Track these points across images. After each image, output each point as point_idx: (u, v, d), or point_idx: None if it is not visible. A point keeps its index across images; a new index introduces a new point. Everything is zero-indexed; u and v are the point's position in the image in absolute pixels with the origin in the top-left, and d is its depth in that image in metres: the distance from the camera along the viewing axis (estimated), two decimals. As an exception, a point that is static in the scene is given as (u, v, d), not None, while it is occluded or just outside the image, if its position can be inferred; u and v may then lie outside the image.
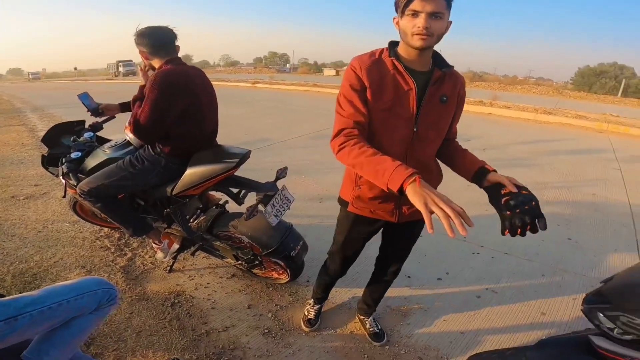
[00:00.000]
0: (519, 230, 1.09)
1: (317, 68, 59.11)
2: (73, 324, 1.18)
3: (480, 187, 1.27)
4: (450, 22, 1.19)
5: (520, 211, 1.09)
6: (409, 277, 2.44)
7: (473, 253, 2.79)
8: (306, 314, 2.03)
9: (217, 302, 2.15)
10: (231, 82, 20.71)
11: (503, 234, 1.11)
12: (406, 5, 1.12)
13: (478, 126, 8.16)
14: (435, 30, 1.14)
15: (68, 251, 2.66)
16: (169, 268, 2.42)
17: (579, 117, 9.41)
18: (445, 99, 1.30)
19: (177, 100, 1.83)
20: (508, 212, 1.11)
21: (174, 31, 1.92)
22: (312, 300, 2.02)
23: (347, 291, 2.27)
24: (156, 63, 1.90)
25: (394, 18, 1.22)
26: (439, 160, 1.49)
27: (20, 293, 2.09)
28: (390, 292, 2.23)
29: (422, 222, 1.54)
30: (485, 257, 2.74)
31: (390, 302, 2.19)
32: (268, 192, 1.92)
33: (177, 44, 1.93)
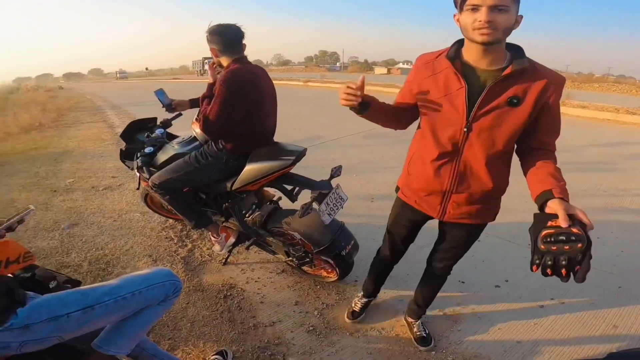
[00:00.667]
0: (550, 270, 0.97)
1: (368, 66, 58.37)
2: (141, 314, 1.23)
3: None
4: (521, 17, 1.11)
5: (557, 249, 0.95)
6: (463, 282, 2.34)
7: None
8: (352, 305, 2.06)
9: (266, 297, 2.23)
10: (284, 81, 21.25)
11: (531, 269, 0.99)
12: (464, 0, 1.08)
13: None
14: (500, 24, 1.07)
15: (138, 240, 2.91)
16: (224, 261, 2.56)
17: (669, 116, 8.31)
18: (515, 101, 1.16)
19: (245, 98, 1.92)
20: (542, 247, 0.98)
21: (242, 29, 1.98)
22: (362, 293, 2.05)
23: (396, 293, 2.24)
24: (225, 61, 1.99)
25: (454, 15, 1.17)
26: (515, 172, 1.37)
27: (94, 279, 2.35)
28: (442, 296, 2.17)
29: (479, 226, 1.50)
30: None
31: (441, 306, 2.12)
32: (322, 190, 1.95)
33: (244, 42, 2.00)
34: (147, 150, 2.38)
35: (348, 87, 1.21)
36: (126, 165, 2.70)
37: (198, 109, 2.37)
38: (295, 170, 2.09)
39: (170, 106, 2.42)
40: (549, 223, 0.99)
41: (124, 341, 1.22)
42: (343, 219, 2.23)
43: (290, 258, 2.30)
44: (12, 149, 6.43)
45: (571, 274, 0.97)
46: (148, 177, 2.30)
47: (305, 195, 2.01)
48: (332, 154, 5.34)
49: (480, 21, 1.06)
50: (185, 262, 2.59)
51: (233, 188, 2.11)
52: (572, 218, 0.99)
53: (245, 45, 2.01)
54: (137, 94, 18.53)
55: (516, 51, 1.19)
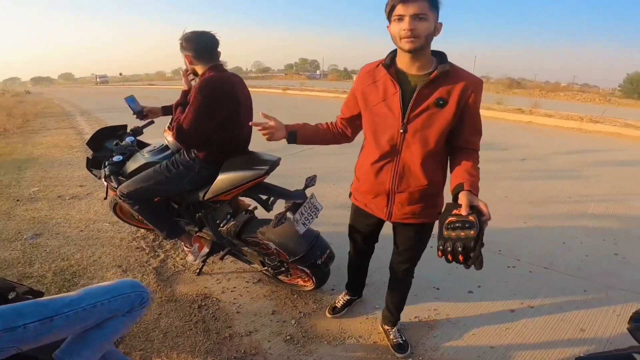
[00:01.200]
0: (450, 256, 1.07)
1: (347, 74, 59.22)
2: (106, 325, 1.20)
3: None
4: (441, 24, 1.26)
5: (455, 236, 1.06)
6: (437, 288, 2.38)
7: (508, 267, 2.67)
8: (335, 302, 2.15)
9: (242, 307, 2.18)
10: (263, 89, 21.20)
11: (438, 255, 1.11)
12: (391, 11, 1.22)
13: (516, 135, 7.85)
14: (421, 32, 1.19)
15: (106, 250, 2.80)
16: (198, 271, 2.49)
17: (628, 126, 8.81)
18: (442, 102, 1.28)
19: (220, 107, 1.88)
20: (445, 233, 1.08)
21: (217, 37, 1.96)
22: (345, 291, 2.16)
23: (372, 301, 2.24)
24: (200, 69, 1.95)
25: (387, 27, 1.28)
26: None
27: (59, 290, 2.23)
28: (417, 303, 2.22)
29: (425, 225, 1.56)
30: (522, 271, 2.62)
31: (416, 313, 2.14)
32: (297, 199, 1.93)
33: (219, 50, 1.98)
34: (116, 158, 2.30)
35: (262, 128, 1.48)
36: (93, 174, 2.60)
37: (171, 116, 2.29)
38: (271, 179, 2.06)
39: (141, 113, 2.33)
40: (454, 211, 1.10)
41: (87, 352, 1.17)
42: (319, 228, 2.22)
43: (266, 268, 2.26)
44: (-29, 156, 6.08)
45: (470, 261, 1.07)
46: (116, 186, 2.22)
47: (281, 205, 1.99)
48: (309, 162, 5.35)
49: (404, 30, 1.19)
50: (158, 273, 2.50)
51: (205, 198, 2.06)
52: (474, 209, 1.12)
53: (220, 52, 1.98)
54: (109, 99, 17.99)
55: (440, 57, 1.32)
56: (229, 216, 2.31)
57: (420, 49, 1.23)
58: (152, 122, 2.52)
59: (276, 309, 2.16)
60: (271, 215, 2.17)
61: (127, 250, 2.81)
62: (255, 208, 2.39)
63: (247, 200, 2.35)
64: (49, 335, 1.08)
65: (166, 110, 2.38)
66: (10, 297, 1.32)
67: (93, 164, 2.51)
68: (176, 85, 23.73)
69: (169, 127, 2.26)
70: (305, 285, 2.27)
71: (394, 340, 1.88)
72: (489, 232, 3.23)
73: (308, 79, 45.90)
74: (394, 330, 1.92)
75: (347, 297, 2.14)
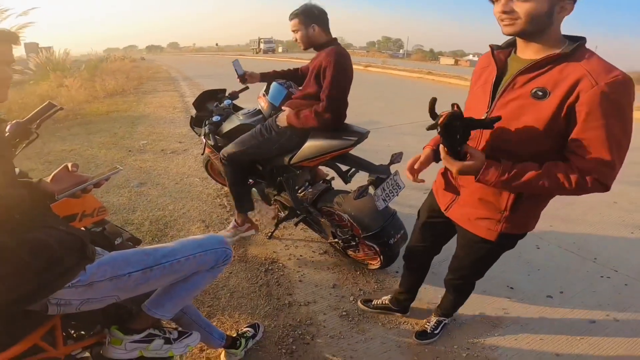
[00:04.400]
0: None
1: (433, 56, 55.31)
2: (191, 280, 1.24)
3: None
4: (570, 3, 0.98)
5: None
6: (512, 288, 2.21)
7: (602, 276, 2.36)
8: (375, 296, 2.05)
9: (305, 276, 2.27)
10: None
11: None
12: None
13: (640, 132, 6.66)
14: (522, 13, 0.97)
15: (194, 205, 3.11)
16: (270, 234, 2.64)
17: None
18: (540, 93, 1.01)
19: (349, 75, 2.00)
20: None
21: None
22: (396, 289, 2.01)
23: (438, 290, 2.15)
24: (321, 39, 2.06)
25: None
26: None
27: (152, 239, 2.53)
28: (486, 299, 2.10)
29: (481, 241, 1.30)
30: (616, 283, 2.31)
31: (482, 310, 2.03)
32: (381, 174, 1.91)
33: None
34: (215, 118, 2.50)
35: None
36: (194, 131, 2.86)
37: (265, 83, 2.49)
38: (354, 151, 2.07)
39: (243, 77, 2.51)
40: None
41: (171, 306, 1.25)
42: (396, 207, 2.18)
43: (336, 240, 2.30)
44: (96, 110, 7.13)
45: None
46: (213, 144, 2.43)
47: (360, 178, 1.98)
48: (387, 140, 5.20)
49: (498, 12, 1.02)
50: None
51: (291, 162, 2.15)
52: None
53: None
54: (207, 67, 19.44)
55: (575, 42, 1.02)
56: (307, 183, 2.38)
57: (527, 33, 1.01)
58: (248, 87, 2.69)
59: (337, 283, 2.21)
60: (348, 187, 2.19)
61: (212, 206, 3.09)
62: (333, 178, 2.43)
63: (325, 169, 2.40)
64: (146, 285, 1.14)
65: (263, 77, 2.54)
66: (116, 242, 1.43)
67: (195, 123, 2.77)
68: (261, 57, 24.29)
69: (263, 94, 2.40)
70: (371, 263, 2.27)
71: (425, 325, 1.81)
72: (585, 237, 2.88)
73: (391, 57, 44.01)
74: (435, 318, 1.82)
75: (388, 303, 1.95)
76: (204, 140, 2.62)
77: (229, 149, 2.28)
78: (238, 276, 2.25)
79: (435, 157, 1.29)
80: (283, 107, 2.16)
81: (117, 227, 1.54)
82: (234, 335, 1.68)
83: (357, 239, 2.17)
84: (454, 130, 0.98)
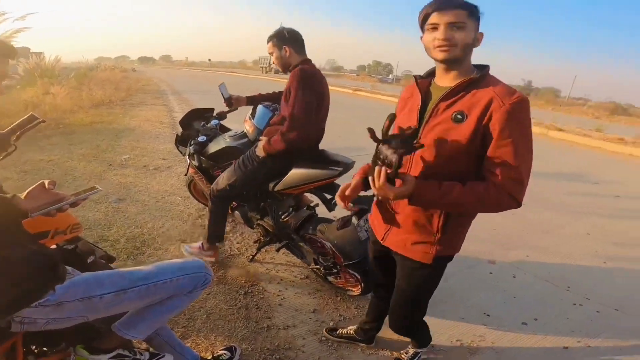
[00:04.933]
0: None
1: None
2: (167, 303, 1.22)
3: None
4: (481, 34, 1.14)
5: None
6: (488, 315, 2.23)
7: (574, 304, 2.42)
8: (340, 325, 2.03)
9: (285, 300, 2.24)
10: (333, 87, 21.13)
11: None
12: (424, 20, 1.13)
13: (613, 168, 6.96)
14: (458, 41, 1.09)
15: (174, 224, 3.05)
16: (251, 257, 2.60)
17: None
18: (460, 117, 1.12)
19: (316, 94, 2.00)
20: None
21: None
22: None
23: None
24: (294, 61, 2.09)
25: (421, 37, 1.19)
26: None
27: (127, 257, 2.47)
28: (463, 326, 2.13)
29: (418, 265, 1.33)
30: (589, 311, 2.37)
31: (459, 337, 2.04)
32: (364, 205, 1.93)
33: None
34: (201, 138, 2.50)
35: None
36: (179, 150, 2.85)
37: (252, 107, 2.50)
38: (339, 180, 2.09)
39: (229, 100, 2.54)
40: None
41: (144, 327, 1.22)
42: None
43: (318, 266, 2.29)
44: (80, 121, 7.01)
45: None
46: (197, 164, 2.42)
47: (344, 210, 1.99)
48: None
49: (438, 39, 1.09)
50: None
51: (276, 189, 2.15)
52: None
53: None
54: (198, 82, 19.49)
55: (482, 70, 1.17)
56: (291, 209, 2.38)
57: (456, 60, 1.12)
58: (236, 109, 2.71)
59: (317, 308, 2.18)
60: (332, 214, 2.20)
61: (192, 226, 3.03)
62: (317, 205, 2.43)
63: (309, 196, 2.40)
64: (118, 307, 1.12)
65: (250, 101, 2.57)
66: (89, 261, 1.38)
67: (181, 141, 2.76)
68: (253, 75, 24.64)
69: (249, 118, 2.42)
70: (351, 290, 2.26)
71: (402, 355, 1.79)
72: (560, 267, 2.97)
73: (380, 81, 45.15)
74: (413, 350, 1.79)
75: (353, 333, 1.92)
76: (189, 161, 2.60)
77: (218, 186, 2.27)
78: (216, 298, 2.20)
79: (364, 186, 1.34)
80: (260, 137, 2.17)
81: (91, 244, 1.50)
82: (209, 358, 1.64)
83: (338, 266, 2.17)
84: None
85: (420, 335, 1.74)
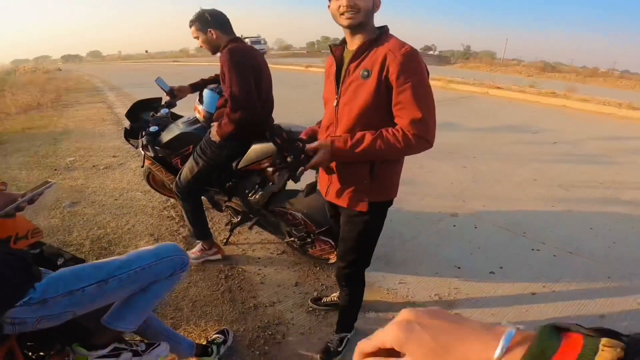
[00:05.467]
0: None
1: None
2: (150, 289, 1.23)
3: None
4: (379, 0, 1.26)
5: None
6: (459, 267, 2.40)
7: (532, 249, 2.65)
8: (323, 294, 2.11)
9: (266, 277, 2.27)
10: (284, 65, 20.82)
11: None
12: None
13: (548, 119, 7.55)
14: (361, 7, 1.19)
15: (139, 219, 2.94)
16: (225, 240, 2.59)
17: (671, 111, 8.30)
18: (366, 74, 1.24)
19: (251, 72, 1.96)
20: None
21: None
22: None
23: (395, 276, 2.28)
24: (223, 42, 2.03)
25: (328, 5, 1.28)
26: None
27: (97, 258, 2.37)
28: (438, 281, 2.26)
29: (356, 213, 1.42)
30: (546, 255, 2.59)
31: (437, 291, 2.18)
32: None
33: None
34: (152, 129, 2.38)
35: None
36: (130, 143, 2.70)
37: (199, 92, 2.41)
38: None
39: (172, 92, 2.46)
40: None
41: (133, 317, 1.22)
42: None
43: (292, 238, 2.33)
44: (10, 128, 6.39)
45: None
46: (153, 155, 2.32)
47: (308, 176, 2.02)
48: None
49: (343, 5, 1.19)
50: (187, 242, 2.62)
51: (238, 167, 2.13)
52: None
53: None
54: (136, 75, 18.31)
55: (384, 30, 1.29)
56: (257, 186, 2.37)
57: (359, 25, 1.23)
58: (180, 99, 2.61)
59: (299, 281, 2.24)
60: (298, 186, 2.23)
61: (159, 219, 2.94)
62: None
63: (271, 170, 2.40)
64: (103, 298, 1.12)
65: (194, 88, 2.49)
66: (58, 262, 1.35)
67: (130, 134, 2.61)
68: (198, 62, 23.64)
69: (198, 103, 2.34)
70: (330, 257, 2.32)
71: (328, 344, 1.74)
72: (514, 214, 3.22)
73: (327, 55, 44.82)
74: (337, 335, 1.77)
75: (337, 300, 1.94)
76: (143, 152, 2.49)
77: (183, 181, 2.20)
78: (197, 285, 2.19)
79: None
80: (212, 123, 2.14)
81: (56, 247, 1.46)
82: (204, 343, 1.64)
83: (312, 235, 2.22)
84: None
85: (354, 300, 1.72)
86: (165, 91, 2.46)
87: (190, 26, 2.05)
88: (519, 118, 7.30)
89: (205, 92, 2.33)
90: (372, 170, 1.33)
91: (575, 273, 2.40)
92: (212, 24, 2.01)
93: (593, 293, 2.21)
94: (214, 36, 2.02)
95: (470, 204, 3.29)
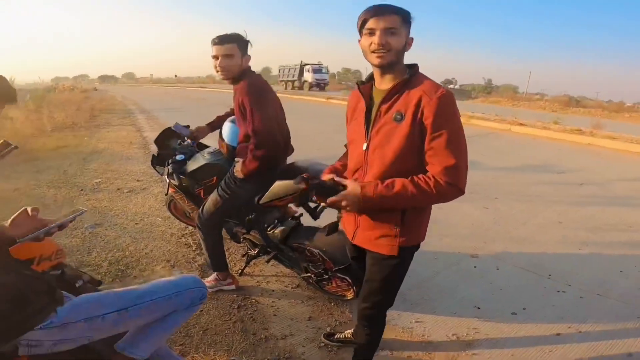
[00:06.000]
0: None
1: None
2: (167, 319, 1.24)
3: None
4: (412, 39, 1.24)
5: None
6: (478, 308, 2.31)
7: (558, 291, 2.54)
8: (338, 331, 2.05)
9: (280, 310, 2.23)
10: (305, 97, 20.75)
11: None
12: (362, 25, 1.21)
13: (575, 158, 7.38)
14: (393, 46, 1.18)
15: (157, 244, 2.99)
16: (240, 271, 2.59)
17: None
18: (399, 117, 1.21)
19: (269, 102, 1.99)
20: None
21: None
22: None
23: (410, 315, 2.22)
24: (247, 70, 2.04)
25: (359, 40, 1.27)
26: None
27: (113, 280, 2.41)
28: (457, 321, 2.19)
29: (385, 257, 1.38)
30: (572, 297, 2.48)
31: (454, 331, 2.10)
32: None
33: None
34: (179, 157, 2.46)
35: None
36: (156, 170, 2.78)
37: (219, 129, 2.45)
38: None
39: (191, 136, 2.53)
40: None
41: (147, 345, 1.24)
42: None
43: (309, 274, 2.30)
44: (43, 146, 6.72)
45: None
46: (177, 183, 2.37)
47: (328, 214, 2.03)
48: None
49: (375, 44, 1.18)
50: (202, 270, 2.63)
51: (260, 202, 2.15)
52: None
53: None
54: (166, 100, 19.11)
55: (412, 69, 1.27)
56: (276, 221, 2.38)
57: (390, 65, 1.22)
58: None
59: (312, 315, 2.19)
60: (317, 223, 2.23)
61: (176, 245, 2.98)
62: (301, 215, 2.45)
63: (293, 207, 2.42)
64: (121, 326, 1.14)
65: (212, 127, 2.54)
66: (77, 285, 1.40)
67: (157, 161, 2.70)
68: (221, 89, 24.27)
69: (221, 138, 2.39)
70: (344, 295, 2.28)
71: None
72: (538, 256, 3.11)
73: (349, 88, 45.60)
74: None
75: (350, 337, 1.92)
76: (167, 180, 2.56)
77: (206, 213, 2.22)
78: (210, 313, 2.18)
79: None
80: (236, 160, 2.16)
81: (75, 269, 1.51)
82: None
83: (329, 272, 2.19)
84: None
85: (373, 337, 1.68)
86: (184, 136, 2.52)
87: (225, 42, 1.94)
88: (543, 157, 7.16)
89: (227, 125, 2.38)
90: (403, 216, 1.31)
91: (603, 314, 2.29)
92: (247, 50, 2.03)
93: (621, 333, 2.12)
94: (246, 63, 2.03)
95: (492, 246, 3.19)
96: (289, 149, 2.26)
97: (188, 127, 2.61)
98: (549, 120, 12.12)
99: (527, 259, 2.96)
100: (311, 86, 29.46)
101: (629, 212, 4.16)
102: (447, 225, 3.45)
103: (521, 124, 10.85)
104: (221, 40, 1.95)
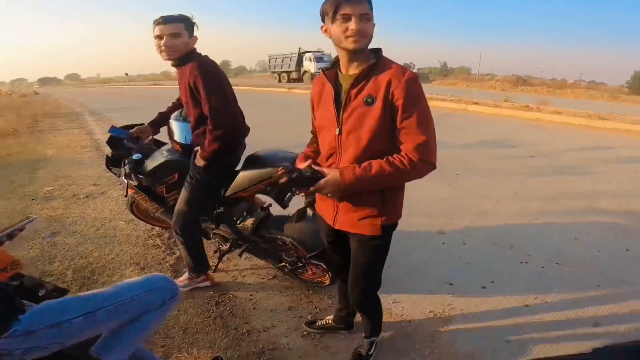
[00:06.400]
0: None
1: None
2: (140, 319, 1.22)
3: None
4: (374, 25, 1.26)
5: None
6: (451, 284, 2.40)
7: (521, 262, 2.69)
8: (318, 318, 2.07)
9: (259, 303, 2.22)
10: (267, 88, 20.64)
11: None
12: (336, 10, 1.20)
13: (525, 132, 7.82)
14: (368, 32, 1.22)
15: (123, 248, 2.86)
16: (214, 268, 2.53)
17: (637, 122, 8.72)
18: (370, 100, 1.24)
19: (225, 84, 1.90)
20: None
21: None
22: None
23: (387, 296, 2.26)
24: (193, 51, 1.93)
25: (322, 27, 1.29)
26: None
27: (80, 288, 2.28)
28: (432, 298, 2.26)
29: (368, 237, 1.42)
30: (534, 267, 2.63)
31: (431, 308, 2.18)
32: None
33: None
34: (135, 156, 2.33)
35: None
36: (112, 172, 2.64)
37: (166, 125, 2.34)
38: None
39: (131, 137, 2.38)
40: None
41: (122, 347, 1.21)
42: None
43: (283, 264, 2.30)
44: (-16, 156, 6.18)
45: None
46: (136, 184, 2.26)
47: (297, 202, 2.02)
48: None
49: (352, 29, 1.19)
50: (174, 270, 2.56)
51: (226, 194, 2.10)
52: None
53: None
54: (117, 99, 18.12)
55: (376, 53, 1.29)
56: (245, 213, 2.34)
57: (362, 50, 1.24)
58: (158, 131, 2.53)
59: (292, 305, 2.20)
60: (286, 212, 2.21)
61: (144, 247, 2.86)
62: (270, 205, 2.42)
63: (262, 197, 2.39)
64: (91, 330, 1.12)
65: (154, 125, 2.41)
66: (40, 294, 1.31)
67: (113, 163, 2.55)
68: (176, 85, 23.34)
69: (170, 138, 2.30)
70: (321, 281, 2.30)
71: (359, 349, 1.79)
72: (500, 228, 3.27)
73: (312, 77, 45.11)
74: (367, 340, 1.81)
75: (332, 322, 1.97)
76: (126, 181, 2.43)
77: (179, 218, 2.11)
78: (188, 313, 2.13)
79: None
80: (195, 149, 2.08)
81: (37, 279, 1.41)
82: None
83: (303, 260, 2.20)
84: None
85: (375, 314, 1.77)
86: (124, 138, 2.37)
87: (171, 22, 1.83)
88: (496, 133, 7.53)
89: (173, 124, 2.29)
90: (382, 196, 1.34)
91: (565, 283, 2.44)
92: (194, 32, 1.92)
93: (585, 302, 2.25)
94: (192, 44, 1.92)
95: (457, 221, 3.33)
96: (246, 130, 2.15)
97: (131, 127, 2.45)
98: (500, 99, 12.74)
99: (490, 232, 3.11)
100: (313, 77, 24.26)
101: (578, 180, 4.49)
102: (414, 204, 3.55)
103: (475, 103, 11.34)
104: (166, 19, 1.83)
